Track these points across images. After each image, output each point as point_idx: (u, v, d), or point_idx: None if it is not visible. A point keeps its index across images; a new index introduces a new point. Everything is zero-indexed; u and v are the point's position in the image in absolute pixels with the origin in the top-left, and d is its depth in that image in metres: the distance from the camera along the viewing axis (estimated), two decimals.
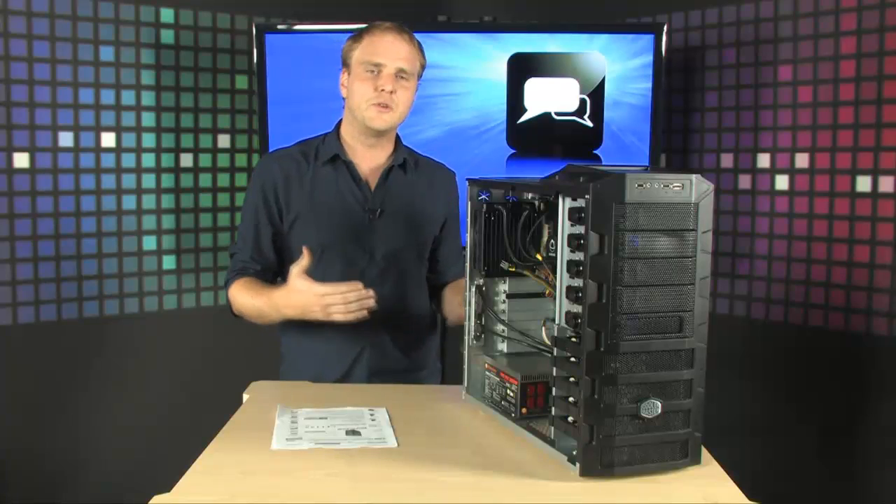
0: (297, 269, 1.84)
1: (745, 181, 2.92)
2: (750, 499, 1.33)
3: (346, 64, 2.01)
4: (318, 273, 1.99)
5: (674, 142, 3.10)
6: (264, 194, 2.02)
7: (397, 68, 1.94)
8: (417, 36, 2.02)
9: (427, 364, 2.14)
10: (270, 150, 2.83)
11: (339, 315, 1.82)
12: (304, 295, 1.83)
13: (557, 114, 2.90)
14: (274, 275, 2.08)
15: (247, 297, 1.97)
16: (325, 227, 2.01)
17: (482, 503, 1.33)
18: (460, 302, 2.02)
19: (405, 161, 2.06)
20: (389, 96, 1.94)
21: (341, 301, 1.81)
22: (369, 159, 2.04)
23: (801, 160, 2.78)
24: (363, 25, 2.02)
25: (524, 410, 1.59)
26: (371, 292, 1.83)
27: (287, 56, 2.85)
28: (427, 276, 2.15)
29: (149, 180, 2.94)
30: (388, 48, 1.94)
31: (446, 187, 2.15)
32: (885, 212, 2.60)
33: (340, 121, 2.07)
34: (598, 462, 1.36)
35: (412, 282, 2.10)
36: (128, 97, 2.87)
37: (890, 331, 2.61)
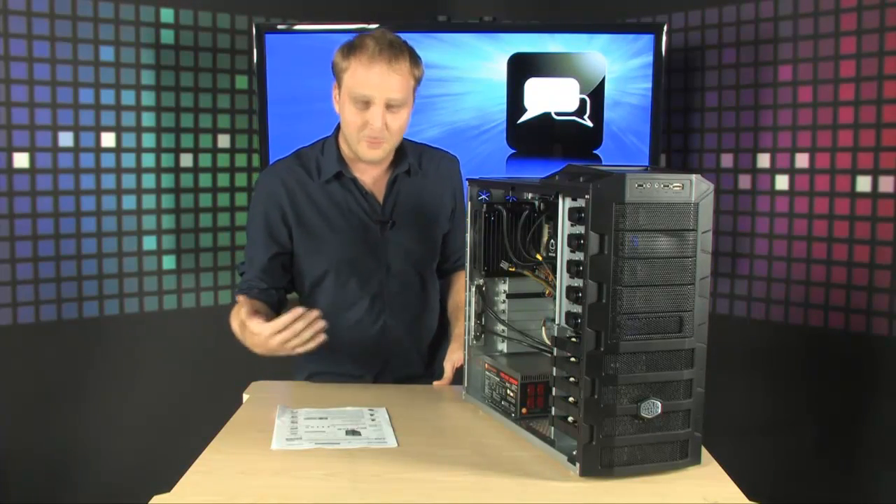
0: (244, 314, 1.72)
1: (745, 181, 2.92)
2: (750, 499, 1.33)
3: (337, 79, 1.92)
4: (334, 291, 2.00)
5: (674, 142, 3.10)
6: (269, 215, 1.97)
7: (387, 100, 1.85)
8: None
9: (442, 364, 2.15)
10: (271, 149, 2.84)
11: (299, 348, 1.71)
12: (258, 337, 1.71)
13: (557, 114, 2.90)
14: (281, 292, 2.03)
15: (234, 319, 1.87)
16: (337, 244, 1.97)
17: (482, 503, 1.33)
18: (458, 304, 2.02)
19: (410, 166, 2.00)
20: (380, 130, 1.86)
21: (291, 335, 1.69)
22: (372, 169, 1.99)
23: (801, 160, 2.78)
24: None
25: (524, 410, 1.59)
26: (321, 322, 1.69)
27: (287, 56, 2.85)
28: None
29: (149, 180, 2.94)
30: (376, 81, 1.83)
31: (452, 177, 2.10)
32: (885, 212, 2.60)
33: (339, 128, 2.00)
34: (598, 462, 1.36)
35: (430, 285, 2.08)
36: (128, 97, 2.87)
37: (890, 331, 2.61)
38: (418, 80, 1.92)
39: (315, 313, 1.69)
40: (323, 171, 1.97)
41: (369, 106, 1.85)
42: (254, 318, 1.71)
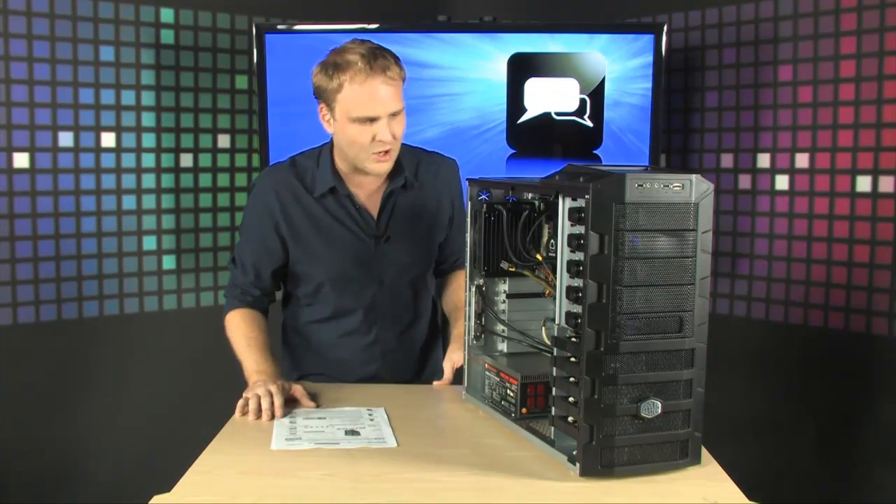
0: (286, 398, 1.74)
1: (745, 181, 2.92)
2: (750, 499, 1.33)
3: (324, 101, 1.87)
4: (330, 301, 2.02)
5: (674, 142, 3.09)
6: (262, 225, 1.97)
7: (390, 113, 1.83)
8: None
9: (437, 368, 2.15)
10: (271, 149, 2.84)
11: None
12: (251, 389, 1.75)
13: (557, 114, 2.89)
14: (272, 295, 2.06)
15: (235, 339, 1.94)
16: (331, 258, 1.97)
17: (482, 503, 1.33)
18: (456, 304, 2.02)
19: (406, 181, 1.98)
20: (390, 142, 1.85)
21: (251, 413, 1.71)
22: (367, 184, 1.97)
23: (801, 160, 2.78)
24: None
25: (524, 410, 1.59)
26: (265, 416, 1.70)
27: (287, 56, 2.85)
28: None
29: (149, 180, 2.94)
30: (378, 99, 1.81)
31: (450, 182, 2.08)
32: (885, 212, 2.60)
33: (333, 143, 1.97)
34: (598, 462, 1.36)
35: (422, 294, 2.09)
36: (128, 97, 2.87)
37: (890, 331, 2.60)
38: (405, 80, 1.89)
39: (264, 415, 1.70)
40: (317, 186, 1.96)
41: (375, 122, 1.82)
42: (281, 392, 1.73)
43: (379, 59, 1.81)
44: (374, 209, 1.98)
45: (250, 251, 2.01)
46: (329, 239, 1.96)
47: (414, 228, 2.01)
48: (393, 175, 1.97)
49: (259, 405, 1.69)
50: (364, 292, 2.00)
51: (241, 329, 1.95)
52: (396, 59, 1.85)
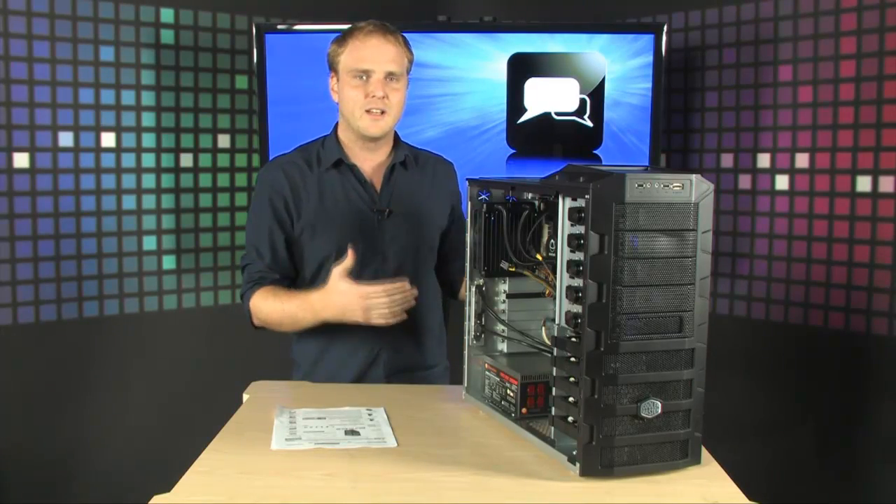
0: (339, 270, 1.84)
1: (745, 181, 2.92)
2: (750, 499, 1.33)
3: (333, 69, 2.01)
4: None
5: (674, 142, 3.10)
6: (273, 204, 2.01)
7: (386, 72, 1.94)
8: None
9: (441, 360, 2.16)
10: (271, 149, 2.84)
11: (380, 319, 1.84)
12: (345, 296, 1.84)
13: (557, 114, 2.90)
14: (290, 281, 2.06)
15: (275, 304, 1.95)
16: (336, 232, 2.00)
17: (482, 503, 1.33)
18: None
19: (406, 157, 2.07)
20: (382, 101, 1.94)
21: (386, 303, 1.83)
22: (371, 160, 2.05)
23: (801, 160, 2.78)
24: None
25: (524, 410, 1.59)
26: (415, 290, 1.87)
27: (287, 56, 2.85)
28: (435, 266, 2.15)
29: (149, 180, 2.94)
30: (373, 53, 1.93)
31: (448, 178, 2.17)
32: (885, 212, 2.60)
33: (337, 124, 2.07)
34: (598, 462, 1.36)
35: (425, 278, 2.10)
36: (128, 97, 2.87)
37: (890, 331, 2.61)
38: (411, 63, 2.02)
39: (414, 290, 1.86)
40: (323, 161, 2.03)
41: (369, 78, 1.94)
42: (345, 276, 1.83)
43: (385, 26, 1.97)
44: (377, 184, 2.04)
45: (263, 231, 2.02)
46: (334, 212, 2.00)
47: (415, 206, 2.06)
48: (395, 151, 2.07)
49: (389, 305, 1.83)
50: (367, 267, 2.01)
51: (270, 300, 1.96)
52: (405, 39, 2.00)
